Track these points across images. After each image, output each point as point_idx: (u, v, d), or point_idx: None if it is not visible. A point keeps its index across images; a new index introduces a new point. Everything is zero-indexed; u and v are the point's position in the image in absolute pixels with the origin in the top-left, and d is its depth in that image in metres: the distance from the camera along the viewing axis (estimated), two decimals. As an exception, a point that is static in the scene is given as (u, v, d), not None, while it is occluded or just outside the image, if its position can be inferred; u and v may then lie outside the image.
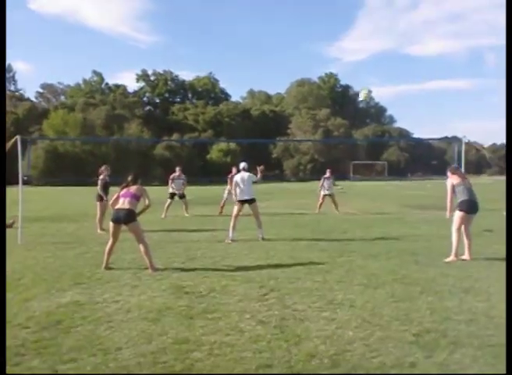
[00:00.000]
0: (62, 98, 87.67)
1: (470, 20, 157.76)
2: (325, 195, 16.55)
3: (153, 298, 5.52)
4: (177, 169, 16.09)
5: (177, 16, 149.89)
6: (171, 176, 15.91)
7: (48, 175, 48.73)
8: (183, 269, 7.11)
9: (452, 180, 7.92)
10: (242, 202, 10.25)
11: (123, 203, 7.21)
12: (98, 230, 11.44)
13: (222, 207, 15.75)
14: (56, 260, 7.87)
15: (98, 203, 11.76)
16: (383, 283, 6.21)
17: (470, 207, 7.80)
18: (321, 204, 16.50)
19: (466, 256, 7.76)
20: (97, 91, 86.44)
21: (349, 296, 5.58)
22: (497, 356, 3.77)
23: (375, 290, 5.87)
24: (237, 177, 10.36)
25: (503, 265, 7.26)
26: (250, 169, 10.52)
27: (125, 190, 7.43)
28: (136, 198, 7.30)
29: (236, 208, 10.28)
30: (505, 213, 14.76)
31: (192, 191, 22.60)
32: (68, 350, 3.92)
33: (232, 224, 10.02)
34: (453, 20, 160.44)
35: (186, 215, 15.33)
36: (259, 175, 10.48)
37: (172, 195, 15.57)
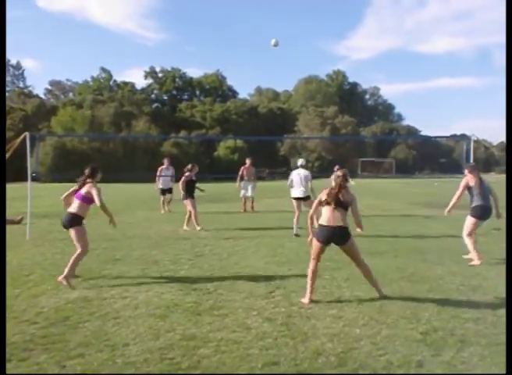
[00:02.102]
0: (71, 94, 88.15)
1: (477, 18, 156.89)
2: None
3: (160, 295, 5.54)
4: (165, 160, 15.47)
5: (184, 14, 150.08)
6: (158, 172, 15.21)
7: (55, 172, 48.98)
8: (190, 266, 7.13)
9: (468, 179, 7.50)
10: (297, 199, 10.53)
11: (72, 205, 6.44)
12: (197, 228, 11.10)
13: (245, 204, 15.27)
14: (64, 256, 7.88)
15: (189, 200, 11.44)
16: (390, 281, 6.19)
17: (483, 214, 7.44)
18: None
19: (474, 259, 7.38)
20: (105, 88, 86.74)
21: (356, 294, 5.57)
22: (505, 355, 3.75)
23: (382, 288, 5.84)
24: (294, 174, 10.55)
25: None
26: (257, 165, 10.55)
27: (79, 189, 6.53)
28: (85, 200, 6.39)
29: (295, 206, 10.57)
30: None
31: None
32: (75, 345, 3.94)
33: (295, 220, 10.30)
34: (460, 18, 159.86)
35: (163, 211, 14.82)
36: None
37: (163, 191, 15.09)
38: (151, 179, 12.10)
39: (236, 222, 11.52)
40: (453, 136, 51.15)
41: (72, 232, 6.33)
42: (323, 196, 5.44)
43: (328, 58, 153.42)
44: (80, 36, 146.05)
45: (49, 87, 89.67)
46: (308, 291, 5.29)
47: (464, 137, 14.01)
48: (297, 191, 10.45)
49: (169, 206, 15.07)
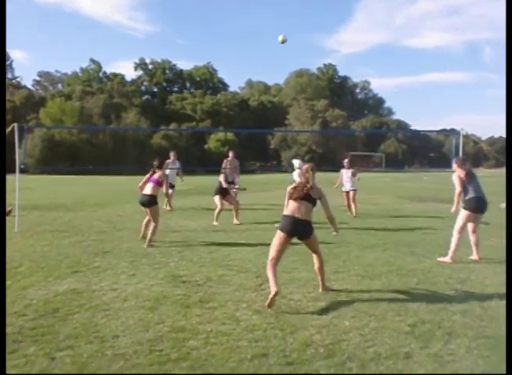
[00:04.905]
0: (60, 86, 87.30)
1: (467, 14, 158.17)
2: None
3: (150, 287, 5.54)
4: (171, 154, 14.84)
5: (174, 6, 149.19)
6: (165, 164, 14.59)
7: (44, 163, 48.61)
8: (180, 259, 7.13)
9: (459, 173, 7.12)
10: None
11: (147, 188, 8.34)
12: (214, 222, 11.01)
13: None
14: (53, 248, 7.87)
15: (218, 196, 11.34)
16: (379, 274, 6.24)
17: (477, 205, 7.06)
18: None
19: (474, 256, 7.21)
20: (94, 80, 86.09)
21: (345, 286, 5.61)
22: (491, 347, 3.80)
23: (371, 280, 5.90)
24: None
25: (499, 256, 7.30)
26: (248, 158, 10.52)
27: (152, 175, 8.46)
28: (158, 183, 8.37)
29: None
30: (502, 206, 14.81)
31: (190, 181, 22.63)
32: (65, 337, 3.94)
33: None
34: (450, 13, 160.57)
35: (168, 209, 13.12)
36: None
37: (171, 186, 13.99)
38: (141, 171, 11.87)
39: (227, 215, 11.51)
40: (443, 130, 51.48)
41: (151, 210, 8.26)
42: (290, 190, 5.34)
43: (319, 52, 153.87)
44: (69, 27, 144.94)
45: (38, 79, 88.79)
46: (273, 284, 4.86)
47: (453, 131, 14.13)
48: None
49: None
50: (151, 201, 8.28)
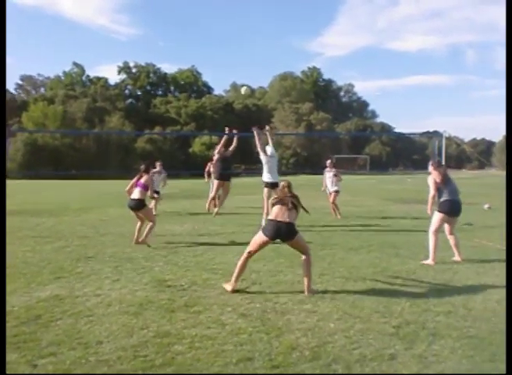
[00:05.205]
0: (42, 90, 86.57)
1: (449, 17, 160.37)
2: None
3: (134, 292, 5.48)
4: (157, 164, 14.58)
5: (157, 9, 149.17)
6: (151, 172, 14.57)
7: (27, 168, 48.06)
8: (164, 263, 7.08)
9: (434, 176, 7.24)
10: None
11: (135, 193, 8.60)
12: (214, 209, 11.75)
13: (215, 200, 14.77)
14: (36, 254, 7.76)
15: (218, 182, 11.86)
16: (364, 275, 6.26)
17: (451, 208, 7.18)
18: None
19: (456, 257, 7.27)
20: (77, 83, 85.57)
21: (330, 289, 5.61)
22: (475, 347, 3.83)
23: (355, 282, 5.91)
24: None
25: (482, 257, 7.39)
26: (233, 161, 10.56)
27: (139, 179, 8.72)
28: (145, 188, 8.64)
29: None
30: (486, 207, 14.96)
31: (174, 185, 22.54)
32: (47, 344, 3.87)
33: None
34: (432, 17, 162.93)
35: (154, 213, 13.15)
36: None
37: (156, 192, 14.19)
38: (125, 175, 11.91)
39: (212, 218, 11.48)
40: (426, 133, 51.99)
41: (142, 212, 8.61)
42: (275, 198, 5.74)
43: (303, 55, 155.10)
44: (51, 30, 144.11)
45: (20, 82, 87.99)
46: (236, 279, 5.52)
47: (436, 133, 14.23)
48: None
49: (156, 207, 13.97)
50: (139, 205, 8.57)
